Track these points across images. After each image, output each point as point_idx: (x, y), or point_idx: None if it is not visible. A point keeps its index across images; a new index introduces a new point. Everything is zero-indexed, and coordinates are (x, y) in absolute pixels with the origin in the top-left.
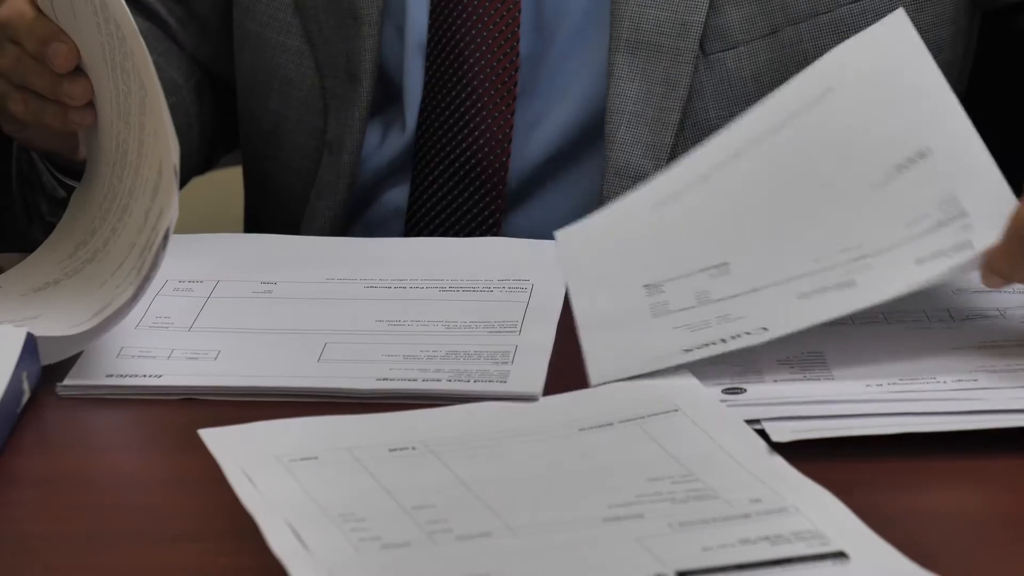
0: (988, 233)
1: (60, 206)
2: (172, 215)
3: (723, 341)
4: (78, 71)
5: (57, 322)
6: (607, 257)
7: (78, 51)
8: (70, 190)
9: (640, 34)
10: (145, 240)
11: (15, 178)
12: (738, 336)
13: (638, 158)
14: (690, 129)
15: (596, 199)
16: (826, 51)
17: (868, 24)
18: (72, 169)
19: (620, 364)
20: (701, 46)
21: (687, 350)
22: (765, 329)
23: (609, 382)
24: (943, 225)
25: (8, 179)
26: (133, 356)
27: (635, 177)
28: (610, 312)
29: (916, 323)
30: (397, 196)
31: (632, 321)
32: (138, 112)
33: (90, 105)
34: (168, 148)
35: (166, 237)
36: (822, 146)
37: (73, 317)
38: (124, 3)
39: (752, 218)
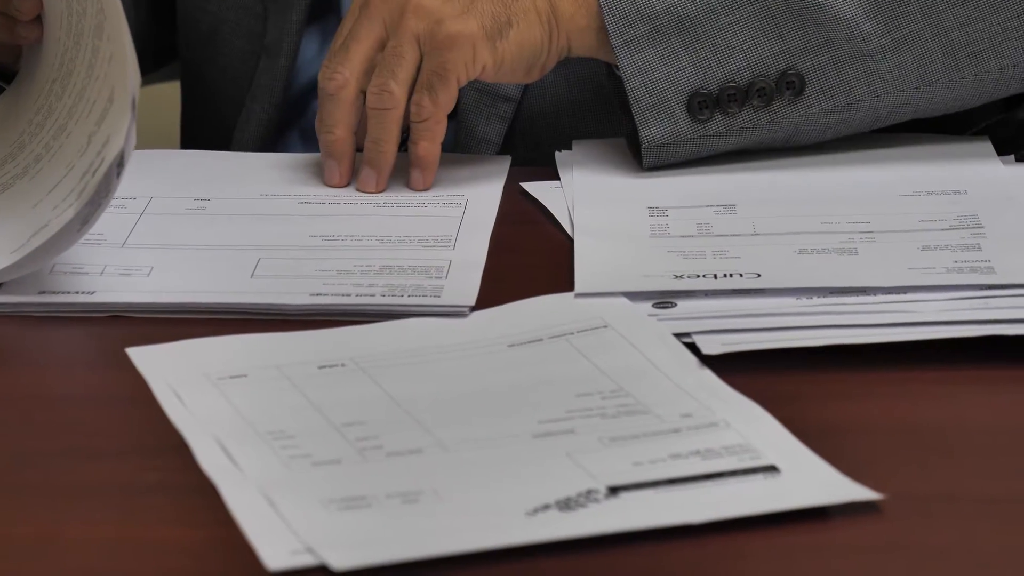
0: (1000, 245)
1: None
2: (123, 144)
3: (715, 277)
4: None
5: None
6: (616, 175)
7: None
8: None
9: None
10: (88, 164)
11: None
12: (730, 276)
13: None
14: None
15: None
16: None
17: None
18: (10, 74)
19: (608, 278)
20: None
21: (677, 276)
22: (758, 275)
23: (593, 294)
24: (956, 229)
25: None
26: (65, 273)
27: (501, 98)
28: (609, 225)
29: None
30: None
31: (629, 237)
32: (93, 35)
33: (37, 20)
34: (125, 77)
35: (120, 165)
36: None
37: (11, 239)
38: None
39: (770, 170)
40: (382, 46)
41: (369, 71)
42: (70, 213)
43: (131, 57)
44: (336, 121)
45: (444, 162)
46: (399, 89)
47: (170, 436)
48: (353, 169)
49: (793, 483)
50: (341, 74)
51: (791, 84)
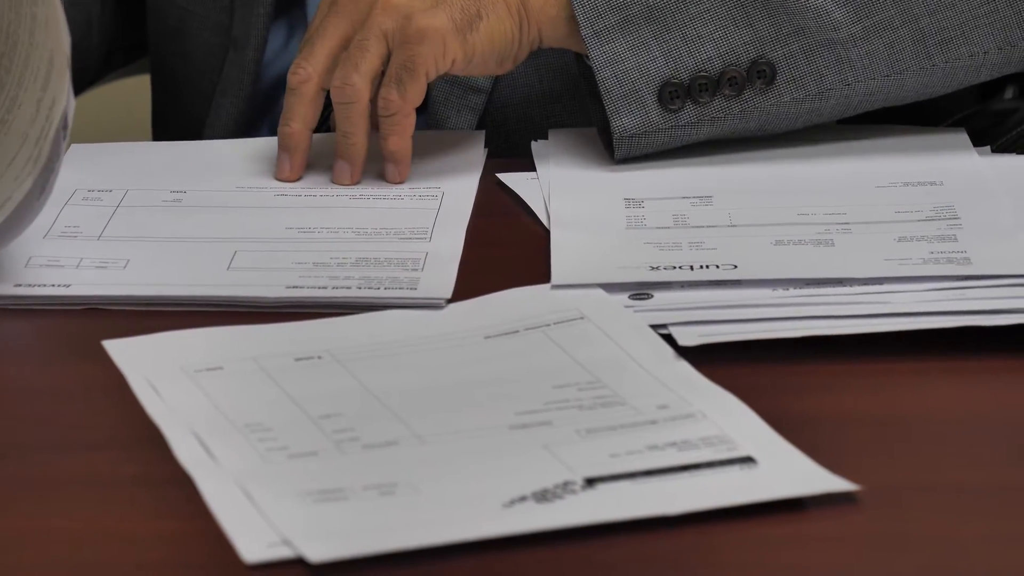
0: (976, 236)
1: None
2: (66, 103)
3: (691, 268)
4: None
5: None
6: (592, 166)
7: None
8: None
9: None
10: (40, 130)
11: None
12: (707, 267)
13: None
14: None
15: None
16: None
17: None
18: None
19: (584, 269)
20: None
21: (653, 268)
22: (735, 267)
23: (569, 285)
24: (932, 220)
25: None
26: (41, 265)
27: (471, 89)
28: (585, 216)
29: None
30: None
31: (605, 229)
32: (29, 3)
33: None
34: (60, 37)
35: (65, 127)
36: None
37: None
38: None
39: (746, 162)
40: (348, 43)
41: (334, 68)
42: (29, 182)
43: (61, 17)
44: (293, 115)
45: (420, 149)
46: (361, 81)
47: (147, 429)
48: (305, 163)
49: (770, 474)
50: (304, 69)
51: (762, 73)
